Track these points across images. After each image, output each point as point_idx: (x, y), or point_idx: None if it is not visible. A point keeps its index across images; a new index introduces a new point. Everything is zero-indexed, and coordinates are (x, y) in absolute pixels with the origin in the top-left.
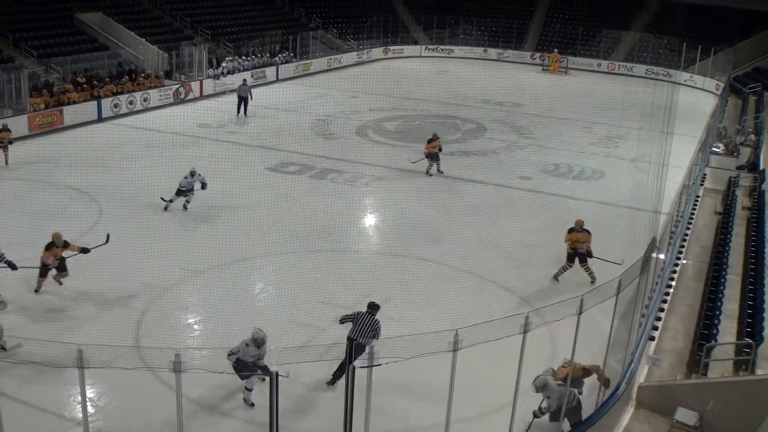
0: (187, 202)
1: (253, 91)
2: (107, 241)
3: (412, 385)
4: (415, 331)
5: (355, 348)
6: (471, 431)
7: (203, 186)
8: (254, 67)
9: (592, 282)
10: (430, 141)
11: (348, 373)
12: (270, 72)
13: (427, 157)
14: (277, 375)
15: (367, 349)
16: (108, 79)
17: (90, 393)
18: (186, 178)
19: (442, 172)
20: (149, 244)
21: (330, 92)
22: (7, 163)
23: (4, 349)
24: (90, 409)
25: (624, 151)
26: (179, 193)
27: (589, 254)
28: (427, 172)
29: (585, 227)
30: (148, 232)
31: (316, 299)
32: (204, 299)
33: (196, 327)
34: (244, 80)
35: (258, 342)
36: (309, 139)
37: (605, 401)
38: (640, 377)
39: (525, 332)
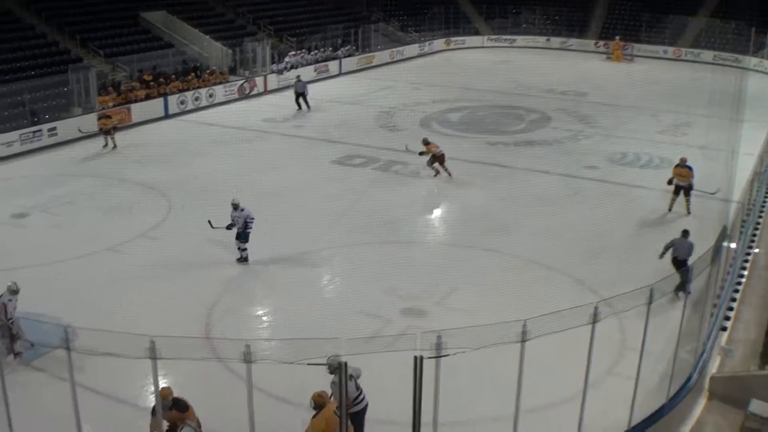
0: (241, 249)
1: (317, 85)
2: (212, 225)
3: (480, 376)
4: (482, 322)
5: None
6: (540, 423)
7: (246, 226)
8: (317, 62)
9: (688, 214)
10: (427, 143)
11: (416, 363)
12: (333, 66)
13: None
14: (346, 365)
15: (437, 339)
16: (174, 77)
17: (162, 383)
18: (232, 211)
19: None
20: (218, 236)
21: (393, 84)
22: (115, 147)
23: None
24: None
25: (692, 138)
26: (230, 227)
27: (691, 187)
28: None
29: (688, 164)
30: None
31: (382, 290)
32: (272, 291)
33: (264, 318)
34: (298, 76)
35: None
36: (373, 131)
37: (677, 392)
38: (712, 368)
39: (594, 323)
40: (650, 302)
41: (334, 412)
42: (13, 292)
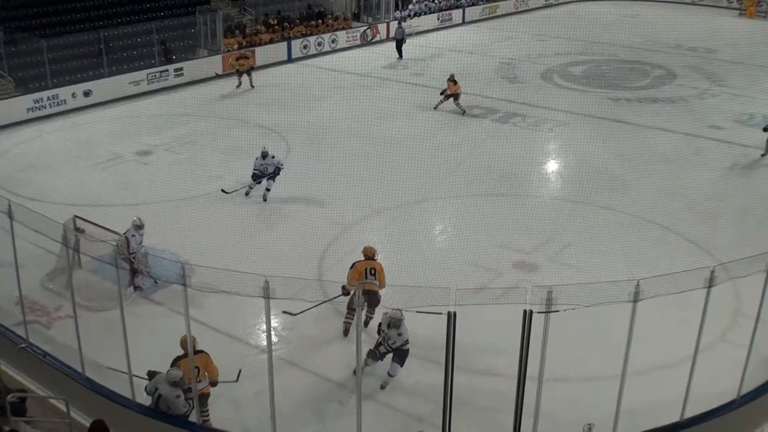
0: (267, 190)
1: (439, 33)
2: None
3: (589, 335)
4: (594, 280)
5: None
6: (647, 385)
7: (277, 172)
8: (440, 10)
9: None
10: (453, 81)
11: (525, 317)
12: (456, 15)
13: (450, 97)
14: (454, 315)
15: (547, 294)
16: (298, 21)
17: (274, 323)
18: (257, 159)
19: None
20: (334, 181)
21: (516, 35)
22: (252, 87)
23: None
24: (274, 338)
25: None
26: (255, 177)
27: None
28: (462, 111)
29: None
30: (334, 170)
31: (494, 243)
32: (385, 237)
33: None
34: (400, 23)
35: None
36: (494, 82)
37: None
38: None
39: (709, 287)
40: None
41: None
42: (138, 227)
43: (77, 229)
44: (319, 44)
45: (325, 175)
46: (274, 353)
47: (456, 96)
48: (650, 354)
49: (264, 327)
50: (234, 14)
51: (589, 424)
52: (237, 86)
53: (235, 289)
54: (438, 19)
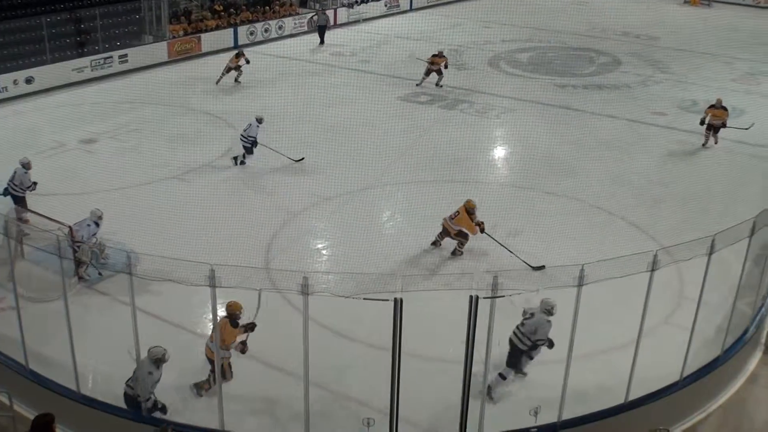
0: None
1: (386, 20)
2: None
3: None
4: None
5: None
6: (592, 368)
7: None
8: None
9: (715, 143)
10: (435, 56)
11: (471, 302)
12: (403, 1)
13: (433, 70)
14: (401, 302)
15: (493, 279)
16: (244, 7)
17: (221, 312)
18: (253, 126)
19: (441, 86)
20: (282, 169)
21: (463, 22)
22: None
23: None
24: None
25: (767, 88)
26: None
27: (724, 125)
28: (437, 84)
29: (723, 105)
30: (281, 158)
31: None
32: (332, 225)
33: (324, 252)
34: (322, 8)
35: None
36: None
37: (732, 344)
38: None
39: (653, 270)
40: (711, 252)
41: None
42: (99, 218)
43: (19, 219)
44: (266, 31)
45: (272, 161)
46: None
47: (440, 71)
48: (596, 337)
49: (210, 316)
50: (179, 0)
51: (535, 408)
52: (217, 83)
53: (181, 278)
54: (385, 5)
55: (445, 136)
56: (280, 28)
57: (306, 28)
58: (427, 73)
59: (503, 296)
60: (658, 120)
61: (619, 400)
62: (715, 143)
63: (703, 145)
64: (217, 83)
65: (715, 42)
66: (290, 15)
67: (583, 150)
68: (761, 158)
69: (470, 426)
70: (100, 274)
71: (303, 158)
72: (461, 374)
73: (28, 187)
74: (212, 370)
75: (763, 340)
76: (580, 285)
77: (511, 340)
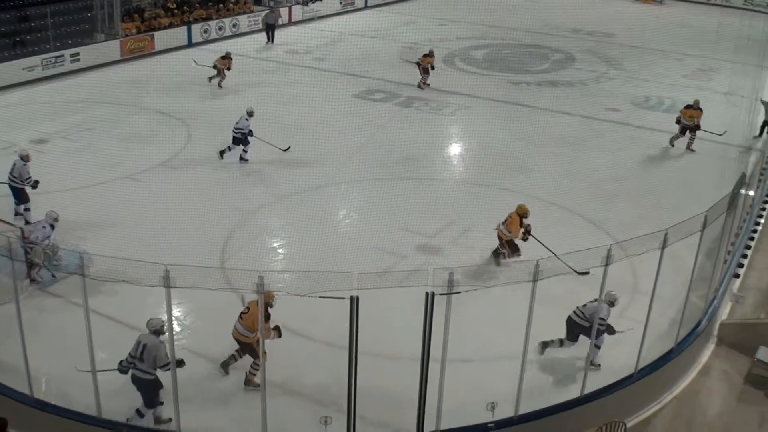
0: (244, 152)
1: (341, 18)
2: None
3: (492, 314)
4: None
5: None
6: (549, 362)
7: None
8: None
9: (692, 151)
10: (426, 55)
11: (428, 299)
12: None
13: (420, 69)
14: (357, 299)
15: (449, 276)
16: (198, 5)
17: (176, 312)
18: (244, 120)
19: (428, 85)
20: (236, 168)
21: (418, 20)
22: (220, 87)
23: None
24: (176, 328)
25: (717, 84)
26: (240, 141)
27: (698, 126)
28: (419, 86)
29: (699, 106)
30: (235, 157)
31: (398, 226)
32: (288, 223)
33: (280, 250)
34: (272, 7)
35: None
36: (395, 66)
37: (685, 337)
38: (723, 314)
39: (606, 265)
40: (663, 246)
41: None
42: (55, 220)
43: None
44: (221, 28)
45: (226, 160)
46: (176, 342)
47: (426, 69)
48: (552, 332)
49: (165, 317)
50: None
51: (492, 403)
52: (210, 79)
53: (135, 279)
54: (340, 3)
55: (401, 134)
56: (234, 26)
57: (261, 26)
58: (424, 71)
59: (459, 292)
60: (612, 116)
61: (575, 393)
62: (688, 147)
63: (670, 142)
64: (210, 81)
65: (667, 39)
66: (245, 13)
67: (538, 146)
68: (712, 153)
69: (428, 421)
70: (53, 276)
71: (289, 147)
72: (418, 371)
73: (27, 179)
74: (238, 350)
75: (715, 333)
76: (535, 280)
77: (570, 318)
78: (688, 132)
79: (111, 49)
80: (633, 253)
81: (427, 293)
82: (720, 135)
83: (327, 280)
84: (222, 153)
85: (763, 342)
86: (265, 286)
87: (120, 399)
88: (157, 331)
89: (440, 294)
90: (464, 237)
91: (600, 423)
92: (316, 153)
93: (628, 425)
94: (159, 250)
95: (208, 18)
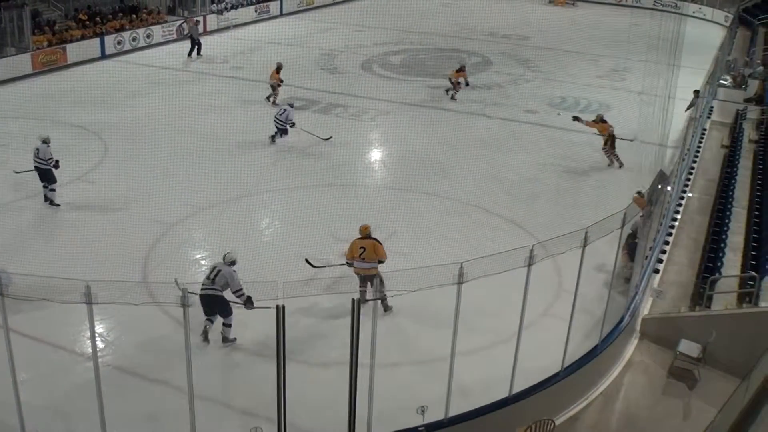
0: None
1: (257, 26)
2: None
3: (419, 318)
4: (420, 265)
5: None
6: (476, 363)
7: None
8: (258, 2)
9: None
10: (458, 70)
11: (354, 304)
12: (274, 6)
13: (454, 83)
14: (283, 308)
15: (375, 280)
16: (110, 16)
17: (99, 329)
18: (289, 110)
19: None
20: (155, 180)
21: (335, 26)
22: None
23: None
24: (100, 344)
25: (631, 83)
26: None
27: (612, 136)
28: (452, 97)
29: (603, 119)
30: (154, 169)
31: (322, 234)
32: (211, 234)
33: (203, 262)
34: (197, 21)
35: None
36: (314, 74)
37: (609, 333)
38: (645, 309)
39: (529, 265)
40: (584, 245)
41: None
42: None
43: None
44: (134, 39)
45: (145, 173)
46: (101, 359)
47: (458, 83)
48: (478, 333)
49: (89, 334)
50: (42, 10)
51: (422, 407)
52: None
53: (55, 296)
54: (255, 11)
55: (321, 141)
56: (148, 36)
57: (176, 36)
58: (455, 85)
59: (385, 297)
60: (530, 117)
61: (504, 393)
62: (613, 162)
63: (618, 164)
64: (268, 100)
65: (581, 40)
66: (158, 23)
67: (458, 150)
68: (626, 150)
69: (359, 427)
70: None
71: (331, 137)
72: (347, 376)
73: (49, 160)
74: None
75: (638, 328)
76: (460, 282)
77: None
78: (609, 144)
79: (22, 62)
80: (554, 253)
81: (353, 299)
82: (631, 141)
83: (253, 289)
84: (273, 138)
85: (685, 335)
86: (188, 298)
87: (38, 418)
88: (233, 262)
89: (366, 300)
90: (389, 242)
91: (529, 421)
92: (236, 163)
93: (557, 422)
94: (80, 266)
95: (122, 29)
